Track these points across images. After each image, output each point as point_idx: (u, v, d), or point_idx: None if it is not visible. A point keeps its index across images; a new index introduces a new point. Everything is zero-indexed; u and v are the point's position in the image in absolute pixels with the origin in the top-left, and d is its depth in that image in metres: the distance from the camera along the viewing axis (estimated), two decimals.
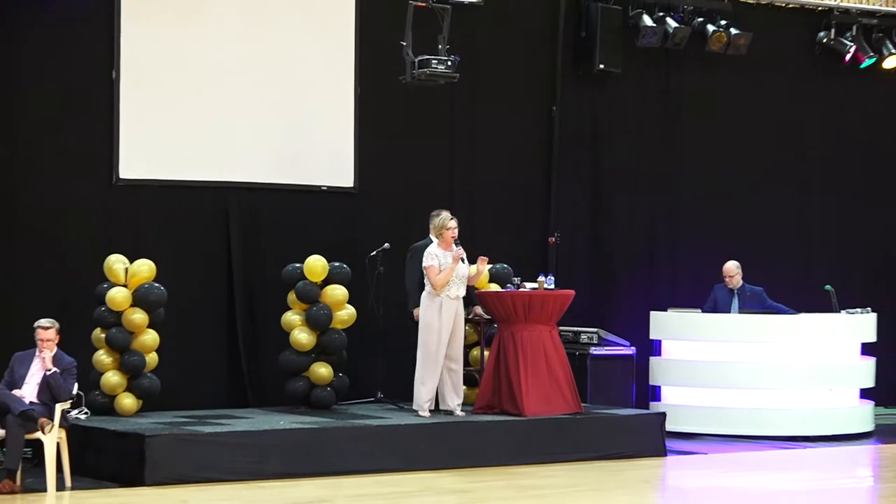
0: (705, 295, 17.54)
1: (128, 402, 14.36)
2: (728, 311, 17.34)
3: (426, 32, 15.44)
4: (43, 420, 12.65)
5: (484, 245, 15.82)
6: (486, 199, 16.82)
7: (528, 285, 15.65)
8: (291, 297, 15.37)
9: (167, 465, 13.06)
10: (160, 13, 15.58)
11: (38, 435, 12.66)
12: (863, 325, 17.40)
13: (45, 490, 12.52)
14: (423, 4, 15.49)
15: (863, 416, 17.42)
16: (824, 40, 19.37)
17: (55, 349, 12.94)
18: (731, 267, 17.42)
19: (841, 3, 19.63)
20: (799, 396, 17.05)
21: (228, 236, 16.02)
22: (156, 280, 14.47)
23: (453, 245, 14.71)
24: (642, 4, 18.03)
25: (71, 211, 15.18)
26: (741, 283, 17.42)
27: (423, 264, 14.70)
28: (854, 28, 19.39)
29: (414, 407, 14.85)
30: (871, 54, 19.35)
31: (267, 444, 13.74)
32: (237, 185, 16.02)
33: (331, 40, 16.53)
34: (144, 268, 14.45)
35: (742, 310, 17.31)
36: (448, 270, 14.64)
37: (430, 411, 14.76)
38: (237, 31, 16.01)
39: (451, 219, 14.76)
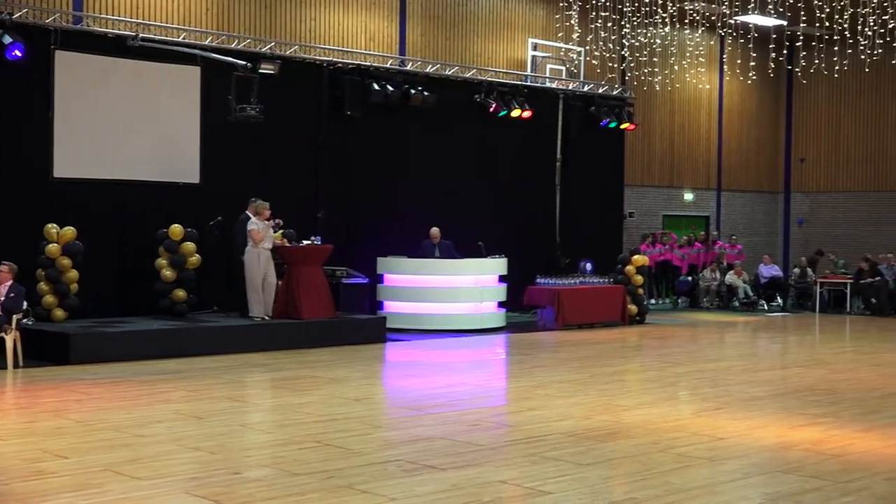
0: (418, 248, 17.53)
1: (58, 313, 13.89)
2: (433, 256, 17.46)
3: (243, 90, 15.20)
4: (5, 326, 12.21)
5: (281, 217, 15.56)
6: (281, 190, 16.53)
7: (305, 242, 15.60)
8: (161, 249, 15.02)
9: (83, 351, 12.75)
10: (80, 76, 15.00)
11: (1, 335, 12.21)
12: (499, 265, 17.70)
13: (5, 368, 12.06)
14: (242, 74, 15.27)
15: (499, 318, 17.75)
16: (477, 99, 19.61)
17: (11, 281, 12.47)
18: (435, 231, 17.62)
19: (486, 79, 19.98)
20: (465, 306, 17.30)
21: (124, 212, 15.48)
22: (76, 239, 14.01)
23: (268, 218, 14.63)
24: (373, 76, 17.94)
25: (25, 196, 14.56)
26: (440, 239, 17.58)
27: (248, 228, 14.52)
28: (494, 92, 19.71)
29: (252, 315, 14.65)
30: (504, 108, 19.72)
31: (145, 337, 13.47)
32: (129, 182, 15.50)
33: (186, 94, 16.08)
34: (69, 231, 13.99)
35: (441, 256, 17.49)
36: (263, 232, 14.53)
37: (257, 317, 14.65)
38: (131, 87, 15.49)
39: (267, 206, 14.70)
